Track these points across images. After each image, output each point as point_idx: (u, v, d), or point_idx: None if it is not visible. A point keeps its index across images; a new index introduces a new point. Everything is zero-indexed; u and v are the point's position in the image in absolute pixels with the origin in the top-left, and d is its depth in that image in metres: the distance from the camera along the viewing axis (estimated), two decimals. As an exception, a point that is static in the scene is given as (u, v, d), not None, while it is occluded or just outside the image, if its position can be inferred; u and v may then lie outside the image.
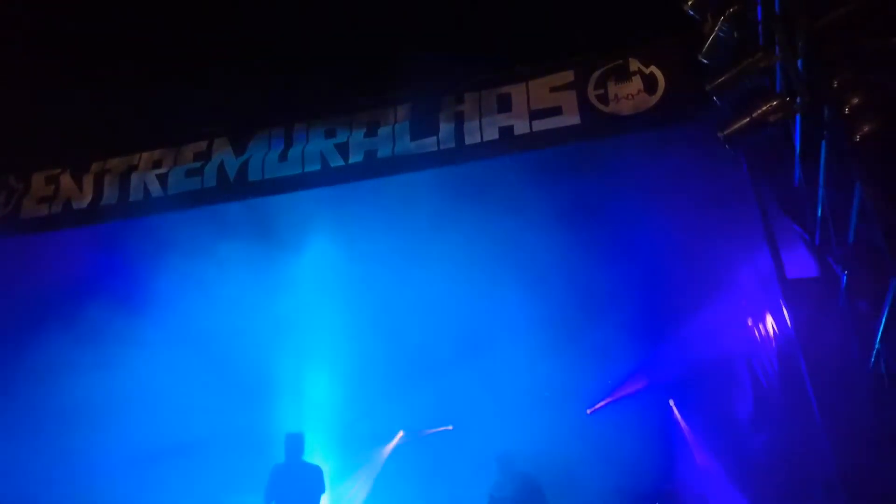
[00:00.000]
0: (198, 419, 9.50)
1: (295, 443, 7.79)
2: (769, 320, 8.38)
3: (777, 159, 5.94)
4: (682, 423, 10.21)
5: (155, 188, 7.64)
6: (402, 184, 7.60)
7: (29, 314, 9.03)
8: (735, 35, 5.22)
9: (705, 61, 5.40)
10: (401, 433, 10.98)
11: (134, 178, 7.70)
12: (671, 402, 10.47)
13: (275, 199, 7.63)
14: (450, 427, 10.78)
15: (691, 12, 5.36)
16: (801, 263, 5.85)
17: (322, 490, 7.64)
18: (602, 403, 10.46)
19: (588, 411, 10.59)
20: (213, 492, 9.32)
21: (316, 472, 7.74)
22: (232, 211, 8.08)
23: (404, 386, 10.24)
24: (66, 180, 7.88)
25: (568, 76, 6.84)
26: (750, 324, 8.85)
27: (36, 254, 8.67)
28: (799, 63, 4.83)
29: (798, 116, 5.14)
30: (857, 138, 4.03)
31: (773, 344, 8.26)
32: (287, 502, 7.50)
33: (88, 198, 7.77)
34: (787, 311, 5.89)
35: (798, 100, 4.97)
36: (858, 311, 5.08)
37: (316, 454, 8.99)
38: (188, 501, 9.28)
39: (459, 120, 7.04)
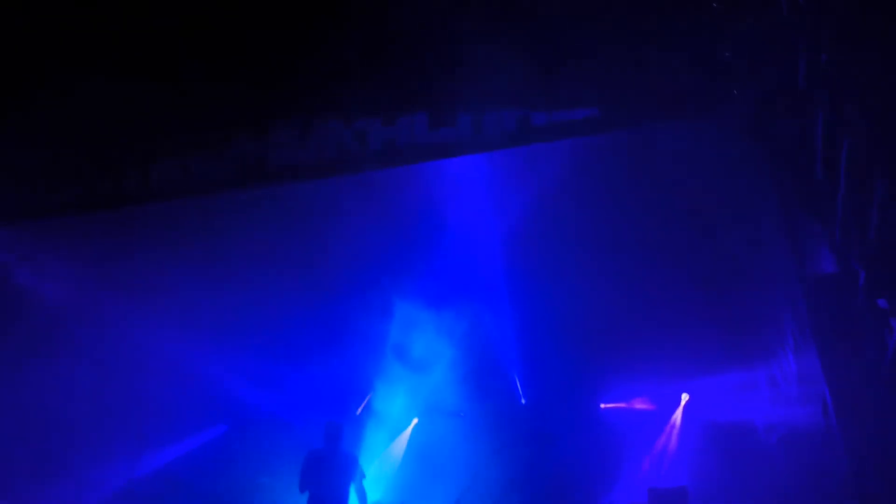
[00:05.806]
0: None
1: (334, 431, 7.83)
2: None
3: (797, 155, 5.88)
4: (679, 421, 10.16)
5: (176, 174, 7.70)
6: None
7: None
8: (759, 29, 5.18)
9: (728, 54, 5.36)
10: (415, 420, 11.02)
11: (155, 163, 7.77)
12: (684, 396, 10.42)
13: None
14: (461, 414, 10.83)
15: (715, 4, 5.33)
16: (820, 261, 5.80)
17: (356, 476, 7.66)
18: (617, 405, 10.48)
19: (602, 406, 10.59)
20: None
21: (351, 460, 7.75)
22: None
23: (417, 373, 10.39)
24: (88, 165, 7.96)
25: (587, 64, 6.76)
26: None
27: None
28: (823, 58, 4.78)
29: (820, 113, 5.08)
30: (880, 135, 3.99)
31: (792, 343, 8.20)
32: (321, 488, 7.52)
33: (110, 182, 7.85)
34: (806, 308, 5.85)
35: (821, 96, 4.92)
36: (877, 308, 5.03)
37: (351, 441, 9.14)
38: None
39: (478, 110, 7.04)
